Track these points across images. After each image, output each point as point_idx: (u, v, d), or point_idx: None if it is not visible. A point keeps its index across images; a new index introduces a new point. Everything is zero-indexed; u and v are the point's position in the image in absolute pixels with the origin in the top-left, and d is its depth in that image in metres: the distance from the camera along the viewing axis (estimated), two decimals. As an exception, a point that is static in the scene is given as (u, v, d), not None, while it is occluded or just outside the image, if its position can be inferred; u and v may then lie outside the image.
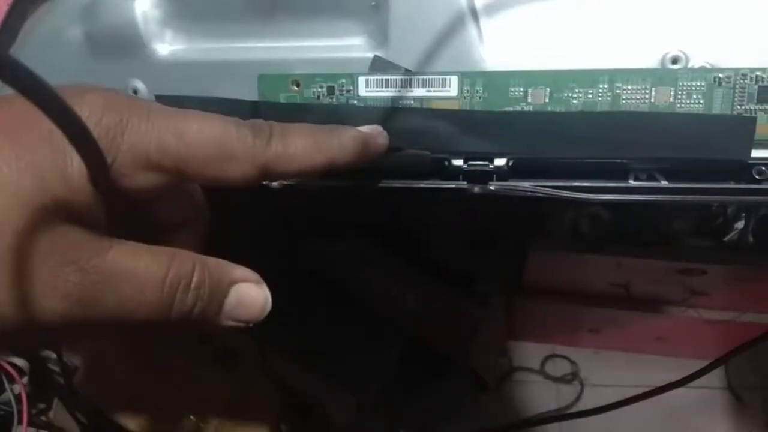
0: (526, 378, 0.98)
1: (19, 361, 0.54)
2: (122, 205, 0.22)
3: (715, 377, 0.94)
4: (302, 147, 0.23)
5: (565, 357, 0.98)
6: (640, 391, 0.95)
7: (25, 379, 0.53)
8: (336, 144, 0.23)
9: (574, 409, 0.95)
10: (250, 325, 0.23)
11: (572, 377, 0.97)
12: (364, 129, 0.25)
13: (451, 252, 0.73)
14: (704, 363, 0.89)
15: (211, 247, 0.26)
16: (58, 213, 0.19)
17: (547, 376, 0.98)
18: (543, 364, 0.98)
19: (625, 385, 0.94)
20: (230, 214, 0.33)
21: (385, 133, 0.26)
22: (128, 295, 0.20)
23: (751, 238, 0.62)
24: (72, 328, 0.20)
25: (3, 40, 0.28)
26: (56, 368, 0.54)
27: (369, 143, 0.25)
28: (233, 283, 0.22)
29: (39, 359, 0.54)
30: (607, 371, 0.96)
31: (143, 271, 0.20)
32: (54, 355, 0.53)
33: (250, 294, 0.23)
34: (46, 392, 0.56)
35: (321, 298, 0.66)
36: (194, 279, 0.21)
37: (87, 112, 0.19)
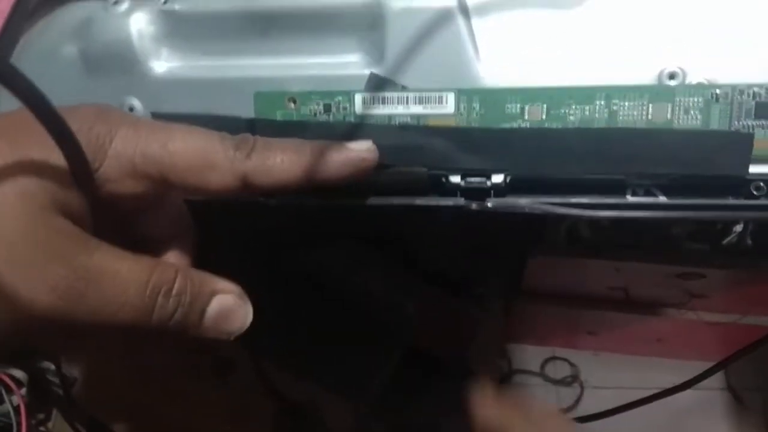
0: (526, 381, 0.97)
1: (18, 373, 0.54)
2: (111, 213, 0.23)
3: (715, 379, 0.94)
4: (282, 161, 0.23)
5: (564, 359, 0.98)
6: (641, 393, 0.95)
7: (23, 391, 0.53)
8: (320, 160, 0.24)
9: (574, 412, 0.95)
10: (232, 337, 0.24)
11: (572, 379, 0.97)
12: (353, 145, 0.25)
13: (449, 256, 0.73)
14: (704, 364, 0.89)
15: (206, 253, 0.27)
16: (52, 208, 0.20)
17: (547, 379, 0.98)
18: (543, 366, 0.98)
19: (625, 387, 0.94)
20: (226, 219, 0.33)
21: (374, 148, 0.25)
22: (111, 295, 0.20)
23: (749, 241, 0.62)
24: (57, 324, 0.20)
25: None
26: (55, 379, 0.54)
27: (356, 160, 0.25)
28: (215, 293, 0.23)
29: (38, 370, 0.54)
30: (607, 373, 0.96)
31: (127, 274, 0.21)
32: (53, 367, 0.53)
33: (231, 305, 0.23)
34: (45, 403, 0.56)
35: (317, 304, 0.66)
36: (176, 286, 0.22)
37: (79, 120, 0.21)
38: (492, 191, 0.27)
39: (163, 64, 0.30)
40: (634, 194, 0.27)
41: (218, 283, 0.23)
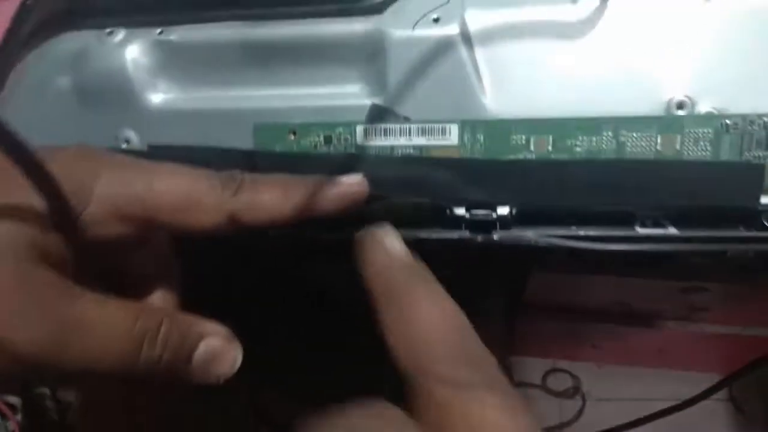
0: (528, 393, 0.97)
1: (12, 398, 0.53)
2: (97, 256, 0.22)
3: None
4: (270, 198, 0.23)
5: (566, 371, 0.98)
6: (643, 404, 0.95)
7: (18, 417, 0.52)
8: (309, 196, 0.23)
9: (576, 424, 0.94)
10: (221, 380, 0.23)
11: (574, 391, 0.96)
12: (343, 179, 0.25)
13: (452, 271, 0.72)
14: (706, 375, 0.88)
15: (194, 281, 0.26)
16: (32, 257, 0.19)
17: (549, 391, 0.97)
18: (544, 378, 0.98)
19: (627, 399, 0.94)
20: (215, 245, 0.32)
21: (364, 181, 0.25)
22: (95, 344, 0.20)
23: (752, 254, 0.62)
24: (42, 370, 0.20)
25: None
26: (50, 404, 0.53)
27: (346, 194, 0.24)
28: (202, 336, 0.22)
29: (32, 396, 0.54)
30: (609, 385, 0.95)
31: (111, 322, 0.20)
32: (48, 392, 0.52)
33: (219, 348, 0.23)
34: (40, 429, 0.55)
35: (318, 319, 0.65)
36: (162, 331, 0.21)
37: (60, 163, 0.20)
38: (497, 223, 0.27)
39: (159, 95, 0.29)
40: (643, 225, 0.26)
41: (205, 325, 0.23)
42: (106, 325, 0.20)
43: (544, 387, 0.97)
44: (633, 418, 0.66)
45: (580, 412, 0.95)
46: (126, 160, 0.22)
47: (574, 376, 0.97)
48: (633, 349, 0.88)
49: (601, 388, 0.96)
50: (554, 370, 0.98)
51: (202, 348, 0.22)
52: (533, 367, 0.98)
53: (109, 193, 0.21)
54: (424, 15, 0.27)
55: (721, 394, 0.92)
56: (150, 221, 0.22)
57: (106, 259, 0.24)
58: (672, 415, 0.57)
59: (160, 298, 0.26)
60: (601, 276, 0.67)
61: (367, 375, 0.64)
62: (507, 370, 0.95)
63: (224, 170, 0.23)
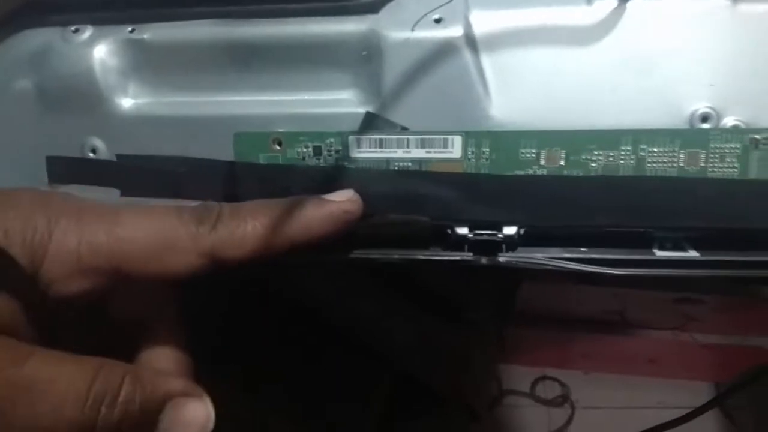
0: (516, 402, 0.96)
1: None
2: (68, 310, 0.21)
3: (706, 397, 0.93)
4: (254, 228, 0.21)
5: (555, 379, 0.97)
6: (632, 412, 0.94)
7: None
8: (297, 221, 0.22)
9: (565, 432, 0.93)
10: None
11: (563, 400, 0.96)
12: (333, 197, 0.23)
13: (441, 281, 0.71)
14: (695, 384, 0.88)
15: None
16: None
17: (538, 399, 0.96)
18: (533, 386, 0.97)
19: (616, 407, 0.93)
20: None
21: (357, 198, 0.23)
22: (45, 410, 0.18)
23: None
24: None
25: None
26: None
27: (337, 213, 0.23)
28: (169, 397, 0.21)
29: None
30: (598, 393, 0.95)
31: (65, 383, 0.18)
32: None
33: (188, 411, 0.21)
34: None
35: (304, 332, 0.64)
36: (122, 393, 0.19)
37: (12, 213, 0.19)
38: (503, 245, 0.24)
39: (129, 100, 0.27)
40: (661, 248, 0.24)
41: (173, 384, 0.21)
42: (58, 389, 0.18)
43: (533, 395, 0.96)
44: (622, 426, 0.65)
45: (569, 420, 0.94)
46: (86, 206, 0.21)
47: (563, 385, 0.96)
48: (623, 357, 0.88)
49: (590, 396, 0.95)
50: (543, 378, 0.97)
51: (169, 410, 0.20)
52: (522, 375, 0.97)
53: (68, 245, 0.20)
54: (425, 15, 0.25)
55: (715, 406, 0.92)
56: (117, 272, 0.20)
57: (84, 309, 0.22)
58: (656, 413, 0.56)
59: (161, 336, 0.24)
60: (595, 286, 0.66)
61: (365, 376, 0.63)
62: (496, 377, 0.94)
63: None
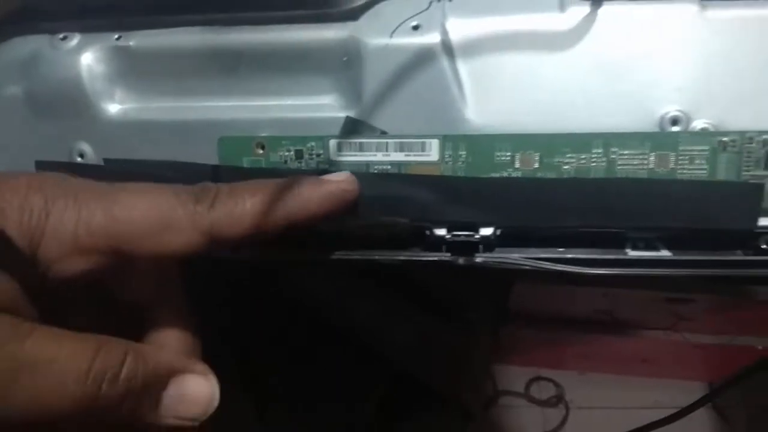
0: (511, 402, 0.96)
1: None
2: (68, 291, 0.21)
3: (700, 396, 0.93)
4: (252, 205, 0.21)
5: (549, 380, 0.97)
6: (626, 412, 0.94)
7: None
8: (295, 198, 0.22)
9: (560, 433, 0.93)
10: (197, 423, 0.21)
11: (557, 400, 0.96)
12: (331, 177, 0.23)
13: (439, 281, 0.71)
14: (689, 384, 0.88)
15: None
16: None
17: (532, 400, 0.96)
18: (528, 387, 0.97)
19: (610, 407, 0.93)
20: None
21: (353, 178, 0.23)
22: (47, 386, 0.18)
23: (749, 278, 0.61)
24: None
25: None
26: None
27: (336, 192, 0.23)
28: (173, 374, 0.20)
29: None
30: (593, 393, 0.95)
31: (65, 361, 0.18)
32: None
33: (192, 387, 0.21)
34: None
35: (302, 331, 0.64)
36: (124, 370, 0.19)
37: (9, 195, 0.19)
38: (480, 245, 0.25)
39: (116, 105, 0.28)
40: (634, 248, 0.25)
41: (177, 361, 0.21)
42: (60, 366, 0.18)
43: (527, 395, 0.96)
44: (616, 426, 0.65)
45: (564, 420, 0.94)
46: (82, 186, 0.20)
47: (557, 385, 0.96)
48: (617, 357, 0.88)
49: (585, 396, 0.95)
50: (538, 379, 0.97)
51: (173, 388, 0.20)
52: (517, 376, 0.97)
53: (65, 226, 0.19)
54: (403, 22, 0.25)
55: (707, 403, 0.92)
56: (116, 251, 0.20)
57: (94, 290, 0.22)
58: (650, 412, 0.56)
59: (168, 321, 0.24)
60: (588, 287, 0.66)
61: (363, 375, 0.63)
62: (491, 378, 0.94)
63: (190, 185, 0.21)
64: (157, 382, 0.20)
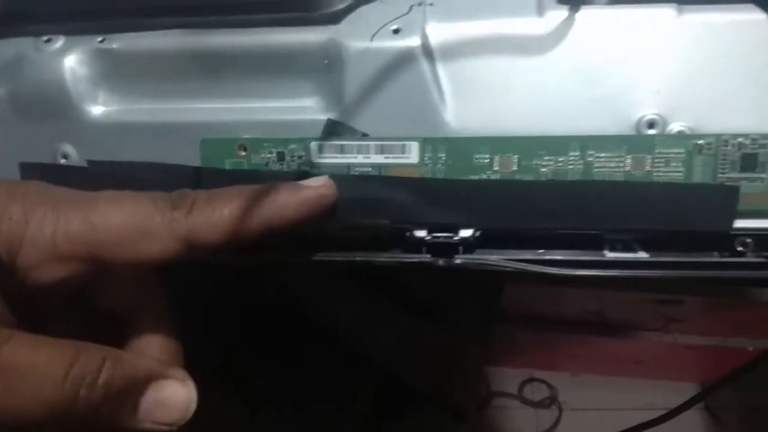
0: (504, 404, 0.96)
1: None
2: (48, 298, 0.21)
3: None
4: (230, 211, 0.21)
5: (543, 381, 0.97)
6: (619, 414, 0.94)
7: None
8: (271, 204, 0.22)
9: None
10: (174, 428, 0.21)
11: (550, 401, 0.96)
12: (308, 182, 0.23)
13: (425, 283, 0.71)
14: (682, 385, 0.88)
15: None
16: None
17: (525, 401, 0.97)
18: (521, 388, 0.97)
19: (603, 409, 0.94)
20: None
21: (331, 183, 0.23)
22: (24, 391, 0.18)
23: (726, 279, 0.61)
24: None
25: None
26: None
27: (313, 198, 0.23)
28: (151, 380, 0.21)
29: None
30: (586, 395, 0.95)
31: (43, 366, 0.18)
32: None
33: (170, 393, 0.21)
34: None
35: (288, 333, 0.64)
36: (102, 375, 0.19)
37: None
38: (460, 247, 0.25)
39: (99, 107, 0.28)
40: (612, 249, 0.25)
41: (156, 367, 0.21)
42: (37, 371, 0.18)
43: (520, 397, 0.97)
44: (609, 428, 0.66)
45: (557, 421, 0.95)
46: (61, 195, 0.21)
47: (550, 386, 0.96)
48: (610, 359, 0.88)
49: (578, 397, 0.95)
50: (531, 380, 0.98)
51: (151, 393, 0.20)
52: (510, 377, 0.97)
53: (43, 234, 0.20)
54: (384, 26, 0.25)
55: (697, 403, 0.93)
56: (95, 259, 0.20)
57: (68, 297, 0.22)
58: (643, 414, 0.56)
59: (147, 330, 0.24)
60: (575, 288, 0.67)
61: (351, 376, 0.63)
62: (484, 379, 0.94)
63: (170, 188, 0.22)
64: (135, 387, 0.20)
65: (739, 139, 0.23)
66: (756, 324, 0.70)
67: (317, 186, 0.23)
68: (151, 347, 0.24)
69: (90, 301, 0.24)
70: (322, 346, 0.62)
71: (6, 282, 0.19)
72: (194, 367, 0.23)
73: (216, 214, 0.21)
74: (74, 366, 0.19)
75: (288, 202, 0.22)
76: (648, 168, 0.24)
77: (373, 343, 0.67)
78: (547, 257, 0.25)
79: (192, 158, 0.26)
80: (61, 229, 0.20)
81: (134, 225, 0.20)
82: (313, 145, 0.26)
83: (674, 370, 0.87)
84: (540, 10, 0.25)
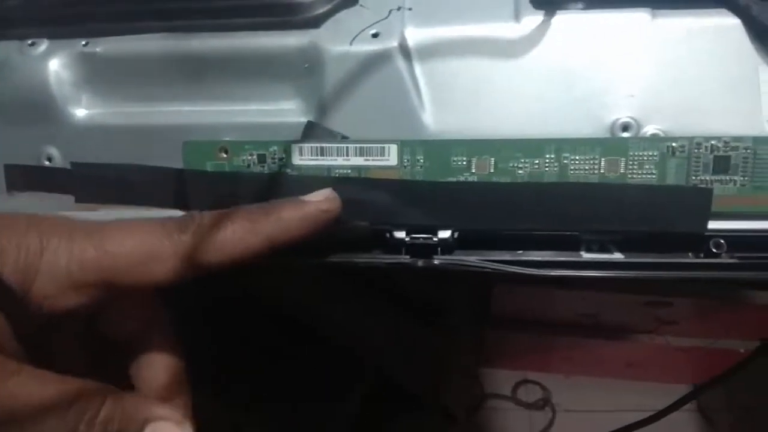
0: (498, 405, 0.97)
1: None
2: (60, 326, 0.22)
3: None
4: (233, 232, 0.22)
5: (536, 383, 0.97)
6: (612, 415, 0.94)
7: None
8: (275, 223, 0.22)
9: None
10: None
11: (544, 403, 0.96)
12: (310, 197, 0.23)
13: (417, 286, 0.71)
14: (674, 387, 0.88)
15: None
16: None
17: (519, 403, 0.97)
18: (514, 390, 0.97)
19: (596, 410, 0.94)
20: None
21: (334, 196, 0.24)
22: (25, 426, 0.19)
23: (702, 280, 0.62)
24: None
25: None
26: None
27: (315, 213, 0.23)
28: (148, 421, 0.21)
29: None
30: (579, 396, 0.95)
31: (46, 401, 0.19)
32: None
33: None
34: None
35: (280, 335, 0.64)
36: (102, 414, 0.20)
37: (6, 234, 0.20)
38: (439, 248, 0.25)
39: (83, 110, 0.28)
40: (588, 250, 0.25)
41: (154, 408, 0.21)
42: (40, 406, 0.19)
43: (514, 398, 0.97)
44: (602, 429, 0.66)
45: (551, 423, 0.95)
46: (75, 225, 0.21)
47: (544, 388, 0.97)
48: (602, 361, 0.89)
49: (571, 399, 0.96)
50: (524, 382, 0.98)
51: None
52: (504, 379, 0.98)
53: (59, 262, 0.20)
54: (363, 30, 0.26)
55: (690, 404, 0.93)
56: (108, 285, 0.21)
57: (80, 327, 0.23)
58: (636, 415, 0.57)
59: (152, 353, 0.24)
60: (564, 290, 0.67)
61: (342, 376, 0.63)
62: (478, 381, 0.94)
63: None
64: (133, 428, 0.21)
65: (712, 142, 0.23)
66: (746, 326, 0.70)
67: (319, 201, 0.23)
68: (155, 368, 0.24)
69: (96, 327, 0.24)
70: (314, 346, 0.62)
71: (17, 313, 0.20)
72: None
73: (220, 235, 0.21)
74: (75, 404, 0.19)
75: (291, 219, 0.22)
76: (622, 170, 0.24)
77: (367, 344, 0.67)
78: (525, 258, 0.25)
79: (174, 160, 0.27)
80: (75, 257, 0.20)
81: (144, 249, 0.21)
82: (294, 147, 0.26)
83: (666, 371, 0.87)
84: (517, 15, 0.25)
